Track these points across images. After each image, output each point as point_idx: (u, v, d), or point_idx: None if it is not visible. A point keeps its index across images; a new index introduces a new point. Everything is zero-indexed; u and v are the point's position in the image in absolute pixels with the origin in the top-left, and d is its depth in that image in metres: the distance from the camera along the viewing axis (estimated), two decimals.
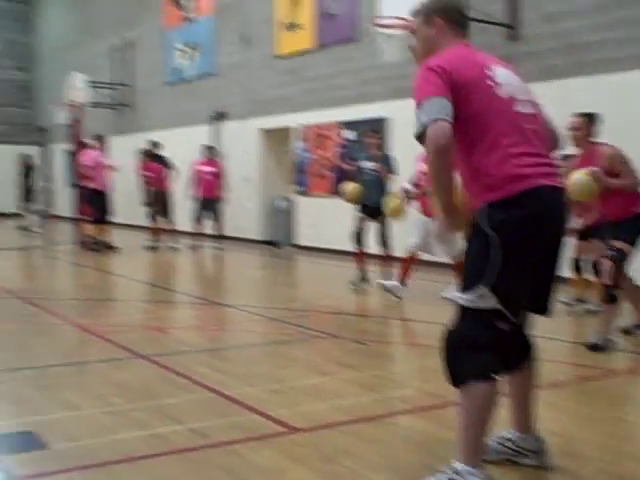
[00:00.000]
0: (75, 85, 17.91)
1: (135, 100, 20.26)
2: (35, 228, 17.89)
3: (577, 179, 5.56)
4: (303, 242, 14.02)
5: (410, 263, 8.15)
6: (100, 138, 13.89)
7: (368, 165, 8.88)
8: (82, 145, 14.95)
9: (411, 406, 4.32)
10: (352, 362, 5.35)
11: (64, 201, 18.36)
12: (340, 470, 3.28)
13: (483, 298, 2.86)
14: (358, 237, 8.95)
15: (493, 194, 2.88)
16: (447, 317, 3.09)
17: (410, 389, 4.76)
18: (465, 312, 2.93)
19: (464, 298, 2.91)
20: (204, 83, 17.06)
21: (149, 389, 4.54)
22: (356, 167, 9.01)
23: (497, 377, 2.91)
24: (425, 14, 3.18)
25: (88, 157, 13.85)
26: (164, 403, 4.24)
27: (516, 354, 3.16)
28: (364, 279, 8.82)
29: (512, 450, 3.31)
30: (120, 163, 14.02)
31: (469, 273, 2.94)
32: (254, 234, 15.36)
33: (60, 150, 23.31)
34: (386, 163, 8.87)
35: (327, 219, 13.16)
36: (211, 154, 14.08)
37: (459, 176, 2.98)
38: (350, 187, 8.91)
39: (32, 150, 25.16)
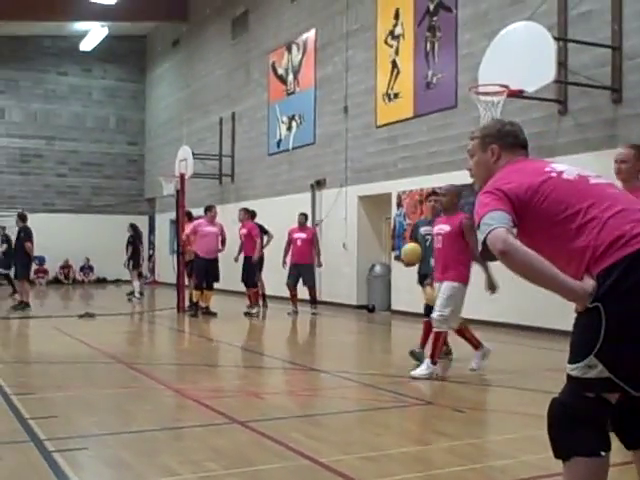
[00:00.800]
0: (183, 157, 18.65)
1: (237, 171, 20.90)
2: (138, 294, 18.42)
3: None
4: (400, 307, 13.93)
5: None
6: (209, 208, 14.33)
7: (425, 229, 8.45)
8: (188, 215, 15.47)
9: (511, 477, 4.16)
10: (449, 430, 5.21)
11: (168, 268, 19.00)
12: None
13: (591, 369, 2.76)
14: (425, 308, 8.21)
15: (595, 266, 2.78)
16: (549, 385, 2.98)
17: (510, 459, 4.59)
18: (573, 383, 2.83)
19: (572, 368, 2.81)
20: (304, 152, 17.46)
21: (244, 455, 4.55)
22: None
23: (603, 454, 2.76)
24: (481, 139, 3.23)
25: (192, 225, 14.34)
26: (259, 469, 4.24)
27: (631, 432, 2.95)
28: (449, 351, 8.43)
29: None
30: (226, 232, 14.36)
31: (579, 344, 2.85)
32: (351, 299, 15.38)
33: (166, 219, 24.20)
34: None
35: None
36: (304, 221, 14.30)
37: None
38: (407, 247, 8.46)
39: (141, 220, 26.27)
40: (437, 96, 13.27)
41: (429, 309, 7.83)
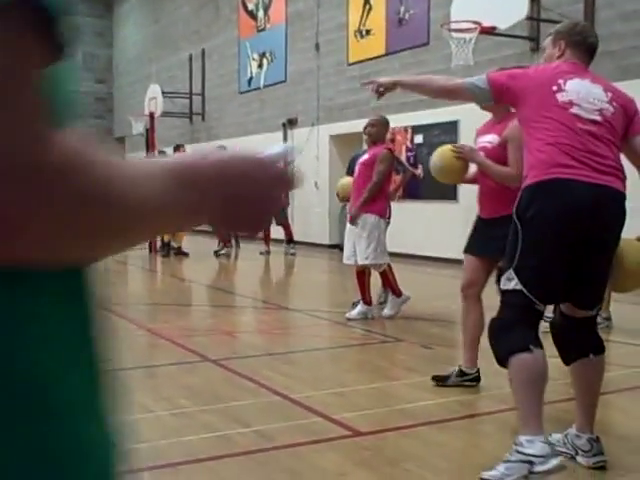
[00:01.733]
0: (152, 96, 18.37)
1: (208, 109, 20.65)
2: None
3: None
4: None
5: None
6: (178, 147, 14.20)
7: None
8: (160, 154, 15.34)
9: (474, 410, 4.28)
10: (417, 366, 5.32)
11: None
12: (403, 474, 3.28)
13: (509, 281, 3.12)
14: None
15: (527, 180, 3.13)
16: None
17: (474, 394, 4.71)
18: (502, 294, 3.22)
19: (501, 280, 3.20)
20: (276, 90, 17.27)
21: (216, 392, 4.62)
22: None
23: (531, 347, 3.06)
24: (554, 34, 3.53)
25: None
26: (231, 406, 4.30)
27: (571, 348, 3.30)
28: None
29: (567, 446, 3.37)
30: None
31: (506, 257, 3.22)
32: (323, 239, 15.44)
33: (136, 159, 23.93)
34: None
35: (395, 223, 13.11)
36: None
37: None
38: (342, 181, 8.04)
39: None
40: (409, 33, 13.12)
41: None
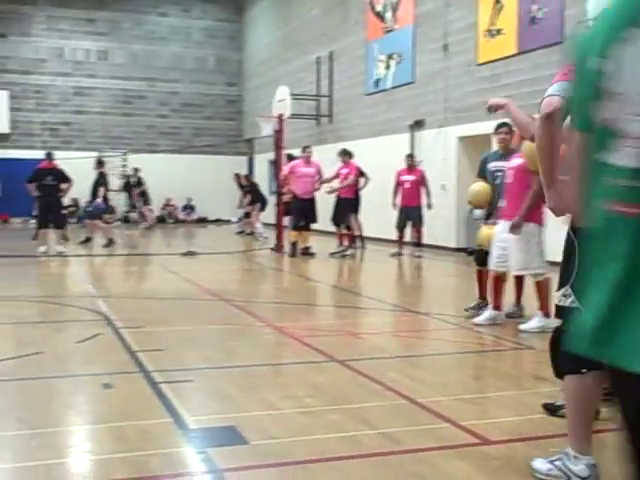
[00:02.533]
0: (281, 98, 18.69)
1: (336, 111, 20.81)
2: (260, 237, 18.66)
3: None
4: None
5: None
6: (305, 148, 14.39)
7: (496, 165, 7.27)
8: (289, 157, 15.60)
9: (612, 422, 4.09)
10: (550, 376, 5.14)
11: (267, 208, 19.33)
12: None
13: (566, 297, 3.11)
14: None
15: None
16: None
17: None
18: (558, 310, 3.22)
19: (556, 296, 3.23)
20: (403, 92, 17.20)
21: (343, 392, 4.64)
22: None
23: (584, 371, 3.04)
24: None
25: (289, 166, 14.47)
26: (357, 407, 4.31)
27: None
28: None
29: None
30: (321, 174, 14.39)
31: (561, 272, 3.19)
32: (450, 242, 15.24)
33: (265, 160, 24.44)
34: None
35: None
36: (412, 162, 14.17)
37: None
38: (474, 187, 7.43)
39: (240, 160, 26.62)
40: (542, 31, 12.75)
41: (482, 255, 7.18)
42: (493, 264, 6.85)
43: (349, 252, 14.12)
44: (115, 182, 16.70)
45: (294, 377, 5.09)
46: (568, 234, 3.14)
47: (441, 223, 15.28)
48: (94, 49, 26.39)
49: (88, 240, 15.94)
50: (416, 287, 11.22)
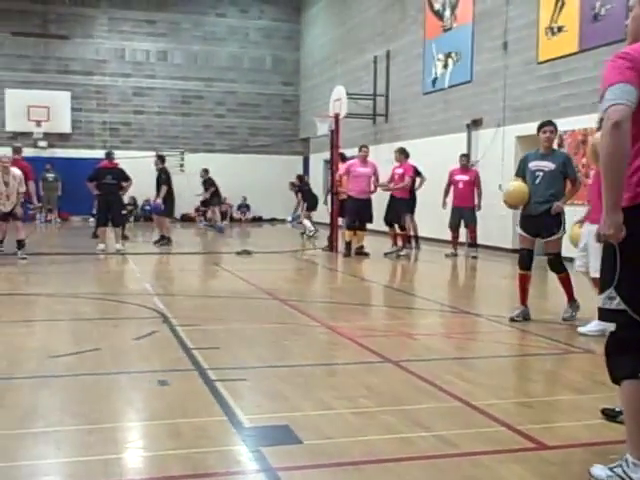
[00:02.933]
0: (337, 97, 18.70)
1: (392, 110, 20.72)
2: (310, 233, 18.79)
3: None
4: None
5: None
6: (361, 148, 14.37)
7: (537, 164, 7.11)
8: (341, 156, 15.59)
9: None
10: (608, 380, 5.03)
11: (322, 208, 19.34)
12: None
13: (611, 300, 3.00)
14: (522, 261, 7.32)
15: (625, 201, 2.90)
16: None
17: None
18: (602, 313, 3.10)
19: (599, 299, 3.08)
20: (461, 91, 17.04)
21: (397, 393, 4.61)
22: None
23: None
24: None
25: (345, 166, 14.46)
26: (411, 408, 4.28)
27: None
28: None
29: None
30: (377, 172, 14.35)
31: (603, 275, 3.08)
32: (506, 243, 15.04)
33: (320, 160, 24.48)
34: (563, 164, 7.12)
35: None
36: (466, 162, 14.04)
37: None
38: (511, 185, 7.20)
39: (295, 160, 26.71)
40: (605, 28, 12.48)
41: (527, 258, 7.14)
42: (577, 266, 6.79)
43: (403, 252, 14.04)
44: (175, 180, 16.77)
45: (348, 377, 5.08)
46: None
47: (497, 224, 15.08)
48: (154, 50, 26.79)
49: (163, 238, 15.96)
50: (471, 288, 11.10)
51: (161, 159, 16.15)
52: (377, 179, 14.17)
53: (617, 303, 3.00)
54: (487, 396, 4.56)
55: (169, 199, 15.87)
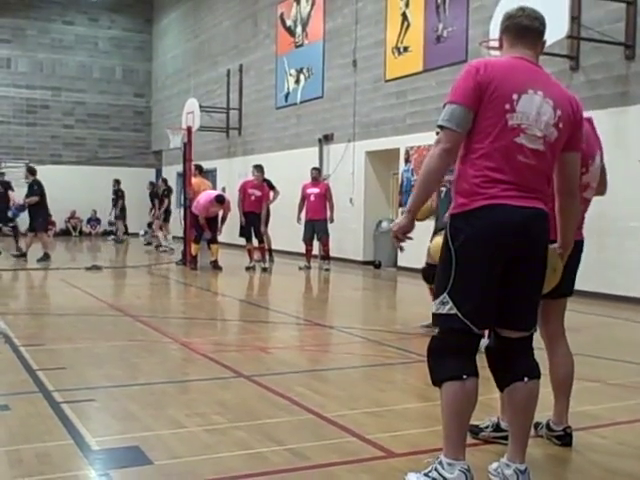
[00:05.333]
0: (190, 110, 18.54)
1: (245, 124, 20.77)
2: (164, 246, 18.49)
3: None
4: (406, 263, 13.94)
5: None
6: (198, 167, 14.41)
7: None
8: (197, 168, 15.46)
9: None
10: None
11: (176, 221, 19.08)
12: None
13: (444, 305, 3.13)
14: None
15: (458, 207, 3.13)
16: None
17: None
18: (435, 318, 3.22)
19: (433, 304, 3.21)
20: (312, 106, 17.32)
21: (250, 408, 4.60)
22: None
23: (465, 377, 3.11)
24: (500, 32, 3.39)
25: (194, 181, 14.40)
26: (264, 423, 4.28)
27: (506, 371, 3.30)
28: None
29: (499, 476, 3.34)
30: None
31: (438, 281, 3.21)
32: (357, 255, 15.41)
33: (173, 172, 24.14)
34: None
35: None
36: (317, 175, 14.26)
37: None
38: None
39: (148, 172, 26.23)
40: (447, 50, 13.10)
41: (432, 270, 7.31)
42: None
43: (266, 265, 14.04)
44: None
45: (201, 394, 5.02)
46: (444, 240, 3.17)
47: (349, 237, 15.43)
48: None
49: (46, 255, 15.11)
50: (324, 300, 11.28)
51: (31, 171, 15.49)
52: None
53: (449, 308, 3.11)
54: (339, 407, 4.64)
55: (44, 212, 15.26)
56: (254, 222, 13.85)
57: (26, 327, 7.59)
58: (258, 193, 13.82)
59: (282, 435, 4.04)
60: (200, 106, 19.75)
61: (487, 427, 4.00)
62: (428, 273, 7.21)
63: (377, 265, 14.87)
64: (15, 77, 25.81)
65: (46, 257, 15.01)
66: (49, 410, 4.47)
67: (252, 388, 5.13)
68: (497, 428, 3.98)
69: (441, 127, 3.10)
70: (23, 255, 15.28)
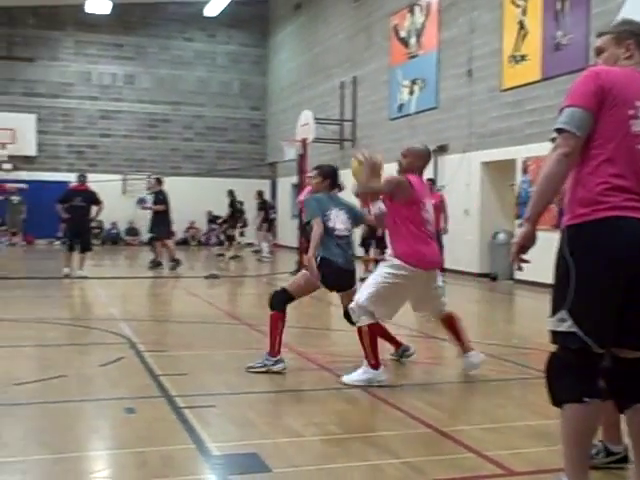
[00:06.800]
0: (305, 122, 18.79)
1: (359, 135, 20.88)
2: (266, 257, 18.91)
3: None
4: (523, 276, 13.61)
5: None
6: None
7: None
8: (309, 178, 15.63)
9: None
10: None
11: (290, 231, 19.36)
12: None
13: (562, 322, 3.00)
14: None
15: (577, 217, 2.99)
16: None
17: None
18: (553, 336, 3.08)
19: (550, 321, 3.07)
20: (427, 117, 17.23)
21: (366, 420, 4.62)
22: None
23: (587, 400, 2.97)
24: (618, 34, 3.22)
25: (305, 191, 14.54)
26: (380, 435, 4.28)
27: (626, 393, 3.13)
28: None
29: None
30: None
31: (555, 297, 3.07)
32: (473, 267, 15.17)
33: (288, 184, 24.52)
34: None
35: (549, 253, 12.68)
36: (431, 186, 14.15)
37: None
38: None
39: (263, 184, 26.74)
40: (567, 58, 12.75)
41: None
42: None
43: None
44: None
45: (316, 404, 5.06)
46: (561, 253, 3.06)
47: (464, 248, 15.22)
48: (121, 73, 26.74)
49: (174, 261, 15.70)
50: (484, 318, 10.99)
51: (159, 181, 16.21)
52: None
53: (568, 325, 2.99)
54: (455, 422, 4.61)
55: (168, 221, 15.88)
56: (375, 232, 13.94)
57: (149, 333, 7.88)
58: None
59: (398, 448, 4.02)
60: (314, 118, 19.99)
61: (598, 454, 3.73)
62: None
63: (493, 277, 14.59)
64: (138, 93, 26.90)
65: (176, 262, 15.52)
66: (172, 414, 4.62)
67: (367, 399, 5.14)
68: (609, 452, 3.74)
69: (559, 131, 3.01)
70: (159, 264, 15.80)
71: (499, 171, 14.98)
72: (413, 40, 17.94)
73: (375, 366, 5.46)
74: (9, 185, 16.35)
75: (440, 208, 13.91)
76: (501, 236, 14.64)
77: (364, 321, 5.50)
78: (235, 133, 27.95)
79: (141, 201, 20.39)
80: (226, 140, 27.78)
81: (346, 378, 5.53)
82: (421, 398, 5.16)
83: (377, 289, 5.45)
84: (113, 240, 25.47)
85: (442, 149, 16.39)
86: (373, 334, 5.54)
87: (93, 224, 16.40)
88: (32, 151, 25.29)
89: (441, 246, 13.85)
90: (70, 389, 5.33)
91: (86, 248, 14.28)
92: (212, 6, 25.65)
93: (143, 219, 17.15)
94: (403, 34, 18.42)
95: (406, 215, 5.54)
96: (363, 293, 5.50)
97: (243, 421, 4.55)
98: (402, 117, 18.36)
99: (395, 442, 4.14)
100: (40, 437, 4.18)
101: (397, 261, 5.47)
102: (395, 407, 4.87)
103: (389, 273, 5.48)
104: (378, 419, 4.63)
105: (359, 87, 20.86)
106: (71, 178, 14.98)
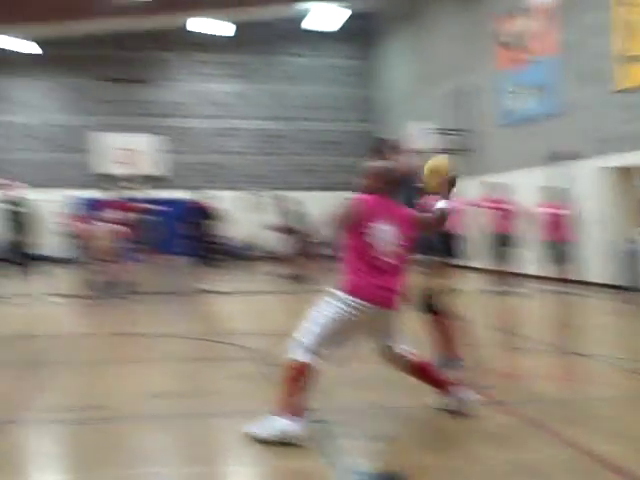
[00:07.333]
0: (414, 132, 18.75)
1: (470, 144, 20.61)
2: None
3: None
4: None
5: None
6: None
7: None
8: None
9: None
10: None
11: None
12: None
13: None
14: None
15: None
16: None
17: None
18: None
19: None
20: (542, 123, 16.85)
21: (509, 439, 4.56)
22: None
23: None
24: None
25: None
26: (526, 457, 4.21)
27: None
28: None
29: None
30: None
31: None
32: (598, 277, 14.68)
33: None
34: None
35: None
36: (554, 195, 13.85)
37: None
38: None
39: None
40: None
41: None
42: None
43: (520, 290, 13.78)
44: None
45: (455, 421, 4.95)
46: None
47: (589, 258, 14.75)
48: (232, 91, 27.55)
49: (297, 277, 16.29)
50: (572, 326, 10.65)
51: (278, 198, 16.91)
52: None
53: None
54: (603, 442, 4.44)
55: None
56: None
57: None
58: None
59: (547, 471, 3.96)
60: (424, 128, 19.88)
61: None
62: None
63: (626, 288, 14.00)
64: (250, 110, 27.64)
65: (299, 278, 16.07)
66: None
67: (507, 417, 5.07)
68: None
69: None
70: (301, 279, 16.18)
71: (621, 177, 14.48)
72: (523, 45, 17.59)
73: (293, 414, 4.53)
74: (141, 205, 17.12)
75: (563, 217, 13.56)
76: (627, 244, 14.09)
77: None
78: (347, 146, 28.14)
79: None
80: (339, 153, 28.06)
81: (249, 428, 4.57)
82: (565, 416, 5.03)
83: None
84: (240, 255, 26.01)
85: (559, 155, 15.95)
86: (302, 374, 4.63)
87: (218, 239, 16.88)
88: (155, 170, 26.27)
89: (562, 257, 13.42)
90: (208, 403, 5.53)
91: (213, 263, 14.75)
92: (318, 20, 26.20)
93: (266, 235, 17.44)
94: (511, 39, 18.09)
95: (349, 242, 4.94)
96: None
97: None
98: (515, 124, 18.00)
99: (542, 464, 4.08)
100: (179, 450, 4.36)
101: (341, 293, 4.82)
102: (537, 425, 4.78)
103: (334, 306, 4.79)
104: (521, 439, 4.56)
105: (469, 95, 20.60)
106: (194, 195, 15.45)
